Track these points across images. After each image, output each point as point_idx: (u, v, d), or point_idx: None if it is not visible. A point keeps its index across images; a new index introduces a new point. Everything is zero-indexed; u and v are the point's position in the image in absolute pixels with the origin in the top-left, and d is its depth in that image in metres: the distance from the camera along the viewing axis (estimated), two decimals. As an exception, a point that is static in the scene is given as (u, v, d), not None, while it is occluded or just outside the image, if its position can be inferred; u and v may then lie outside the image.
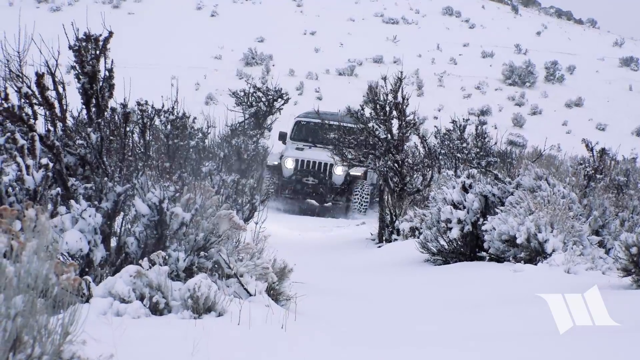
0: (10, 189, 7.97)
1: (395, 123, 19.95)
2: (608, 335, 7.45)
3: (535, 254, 12.86)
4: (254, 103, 32.32)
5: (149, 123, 9.52)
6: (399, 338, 7.89)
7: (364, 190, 26.25)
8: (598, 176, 18.24)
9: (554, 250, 12.71)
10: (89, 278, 7.04)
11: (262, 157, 27.77)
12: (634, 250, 10.00)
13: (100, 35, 9.21)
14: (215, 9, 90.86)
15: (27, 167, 8.08)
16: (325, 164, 25.70)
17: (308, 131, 27.79)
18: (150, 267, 7.10)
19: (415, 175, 19.98)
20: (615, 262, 10.96)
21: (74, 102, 9.21)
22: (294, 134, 27.90)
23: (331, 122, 25.43)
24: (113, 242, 7.90)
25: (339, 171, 25.44)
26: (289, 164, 26.10)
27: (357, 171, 24.72)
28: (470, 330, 8.34)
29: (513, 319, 8.79)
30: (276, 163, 26.26)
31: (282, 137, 28.01)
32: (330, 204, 26.87)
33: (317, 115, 25.26)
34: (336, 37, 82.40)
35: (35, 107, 8.73)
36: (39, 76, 8.79)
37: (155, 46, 68.84)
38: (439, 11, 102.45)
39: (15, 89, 8.75)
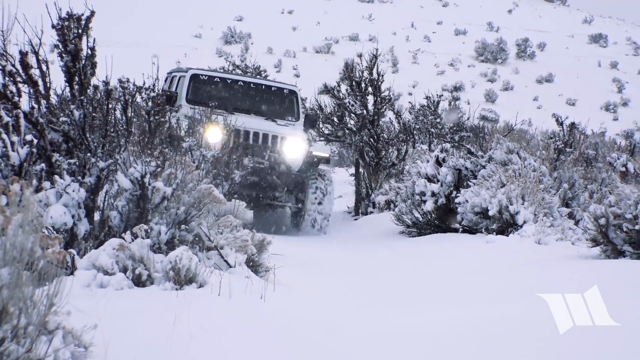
0: (-5, 165, 7.97)
1: (370, 99, 20.04)
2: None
3: (506, 225, 12.99)
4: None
5: (130, 100, 9.51)
6: (377, 304, 7.95)
7: (326, 187, 14.42)
8: (568, 150, 18.34)
9: (525, 222, 12.84)
10: (73, 251, 7.04)
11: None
12: (602, 221, 10.08)
13: (83, 14, 9.19)
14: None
15: (12, 143, 8.06)
16: (275, 137, 13.96)
17: (209, 91, 15.83)
18: (132, 240, 7.11)
19: (390, 150, 20.01)
20: (584, 233, 11.08)
21: (58, 80, 9.19)
22: (190, 94, 15.61)
23: (243, 79, 16.70)
24: (96, 216, 7.90)
25: (295, 148, 13.79)
26: (215, 137, 13.49)
27: (323, 151, 14.59)
28: (449, 296, 8.43)
29: (489, 286, 8.91)
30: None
31: (170, 98, 14.46)
32: (281, 206, 14.92)
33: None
34: (313, 16, 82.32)
35: (20, 85, 8.71)
36: (23, 55, 8.76)
37: (136, 25, 68.58)
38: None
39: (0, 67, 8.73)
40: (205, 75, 16.09)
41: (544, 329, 6.37)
